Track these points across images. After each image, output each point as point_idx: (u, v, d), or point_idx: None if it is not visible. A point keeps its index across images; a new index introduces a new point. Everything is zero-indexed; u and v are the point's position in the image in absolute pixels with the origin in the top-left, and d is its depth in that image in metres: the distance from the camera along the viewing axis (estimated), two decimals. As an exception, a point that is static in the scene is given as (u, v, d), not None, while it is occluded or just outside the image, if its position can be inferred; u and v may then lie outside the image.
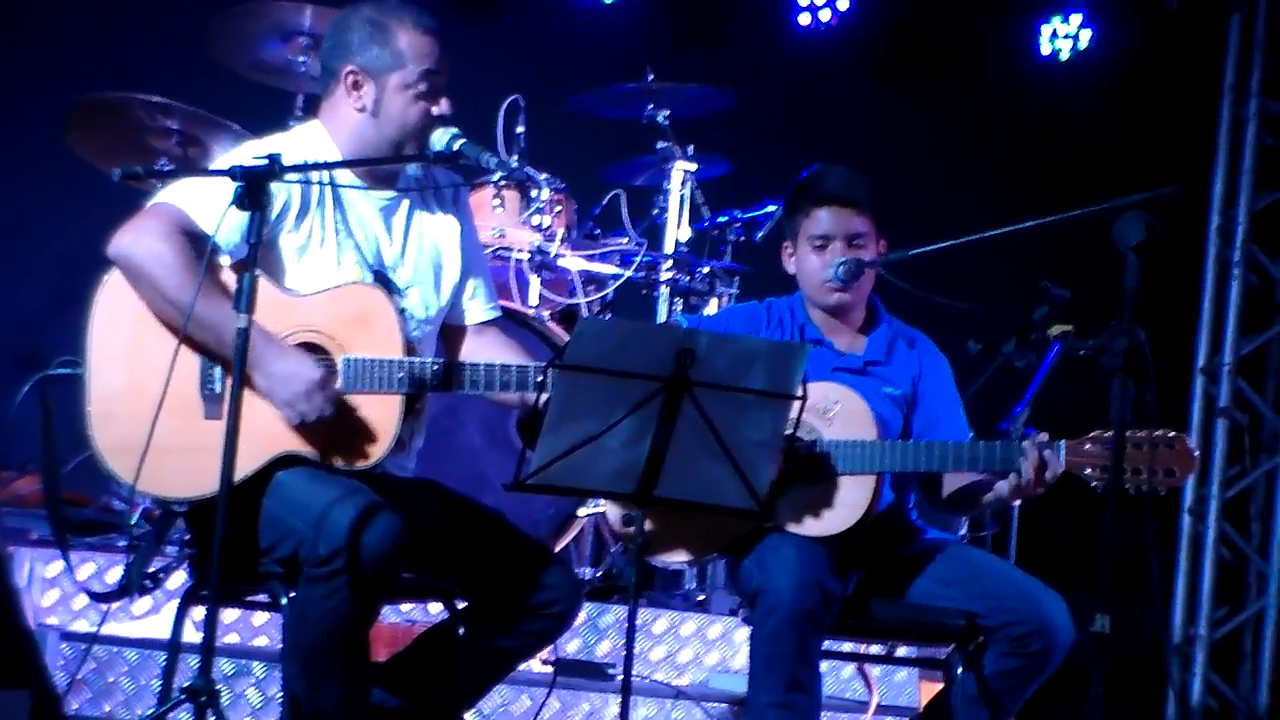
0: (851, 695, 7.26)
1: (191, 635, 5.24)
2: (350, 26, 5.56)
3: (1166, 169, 8.95)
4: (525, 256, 7.72)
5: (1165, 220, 5.35)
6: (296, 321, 5.33)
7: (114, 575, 6.74)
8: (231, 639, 6.37)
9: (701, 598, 7.62)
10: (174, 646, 5.42)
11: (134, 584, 6.06)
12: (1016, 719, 6.23)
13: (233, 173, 4.98)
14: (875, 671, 7.23)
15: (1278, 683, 9.60)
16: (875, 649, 6.83)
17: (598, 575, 7.39)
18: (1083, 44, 9.77)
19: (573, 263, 7.89)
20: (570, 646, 6.85)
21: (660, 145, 8.08)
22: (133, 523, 6.79)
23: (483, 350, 5.61)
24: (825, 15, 9.56)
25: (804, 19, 9.59)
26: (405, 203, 5.62)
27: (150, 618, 6.65)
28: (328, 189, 5.43)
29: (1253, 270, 9.61)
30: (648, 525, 5.38)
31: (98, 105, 7.47)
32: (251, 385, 5.14)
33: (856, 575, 5.77)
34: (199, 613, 5.17)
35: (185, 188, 5.33)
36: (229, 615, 6.34)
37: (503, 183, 7.73)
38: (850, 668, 7.21)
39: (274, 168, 5.00)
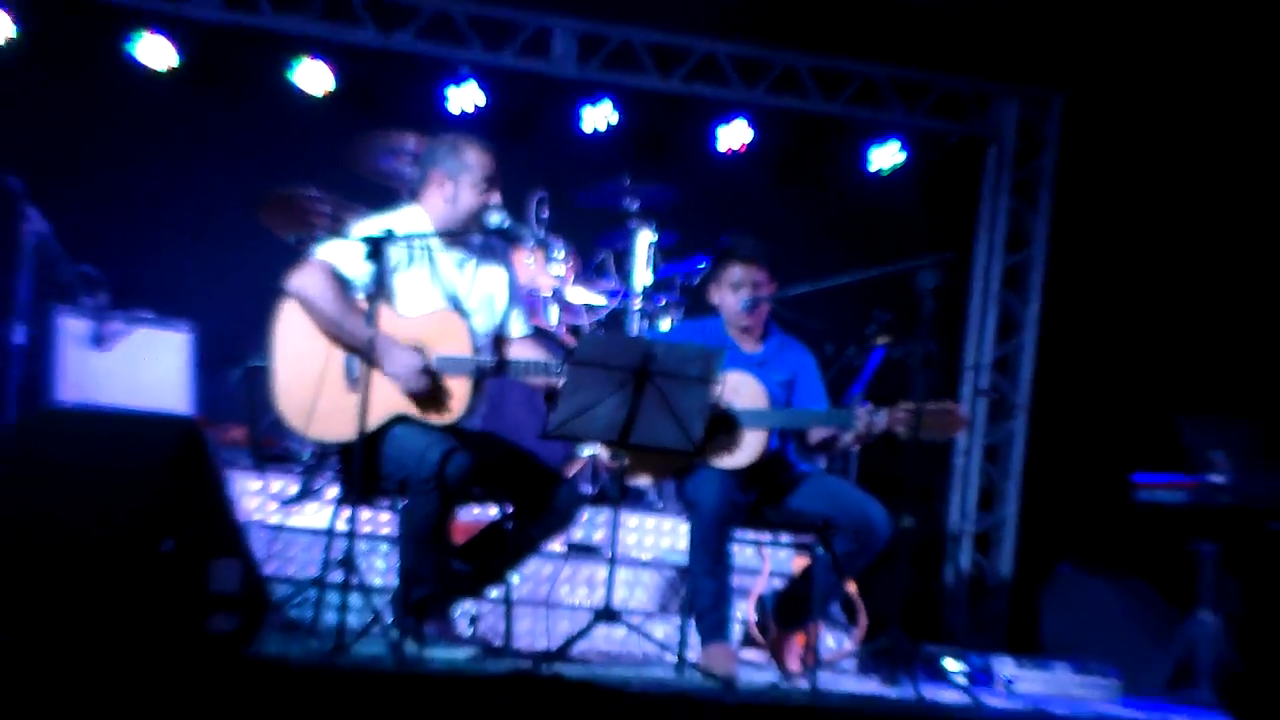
0: (753, 566, 7.37)
1: (340, 526, 5.75)
2: (439, 147, 6.22)
3: (948, 241, 9.33)
4: (548, 293, 7.91)
5: (947, 272, 6.19)
6: (406, 333, 5.87)
7: (292, 489, 7.11)
8: (365, 529, 6.63)
9: (660, 506, 7.83)
10: (330, 533, 5.97)
11: (305, 494, 6.95)
12: (855, 582, 7.08)
13: (364, 239, 5.69)
14: (767, 551, 7.36)
15: (1017, 558, 9.91)
16: (767, 536, 6.77)
17: (594, 491, 7.66)
18: (898, 161, 10.06)
19: (577, 297, 8.20)
20: (576, 535, 7.28)
21: (632, 223, 8.39)
22: (305, 457, 7.16)
23: (521, 351, 6.19)
24: (737, 144, 9.86)
25: (722, 146, 9.90)
26: (472, 259, 6.21)
27: (315, 515, 7.10)
28: (422, 248, 6.04)
29: (1002, 303, 10.19)
30: (625, 461, 6.24)
31: (280, 196, 7.84)
32: (378, 370, 5.72)
33: (755, 492, 6.30)
34: (345, 513, 5.71)
35: (334, 247, 5.98)
36: (364, 515, 6.56)
37: (532, 246, 7.98)
38: (751, 549, 7.25)
39: (388, 236, 5.71)
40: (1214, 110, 10.11)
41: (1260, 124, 10.05)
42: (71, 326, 7.97)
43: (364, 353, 5.73)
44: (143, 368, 8.03)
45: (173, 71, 9.20)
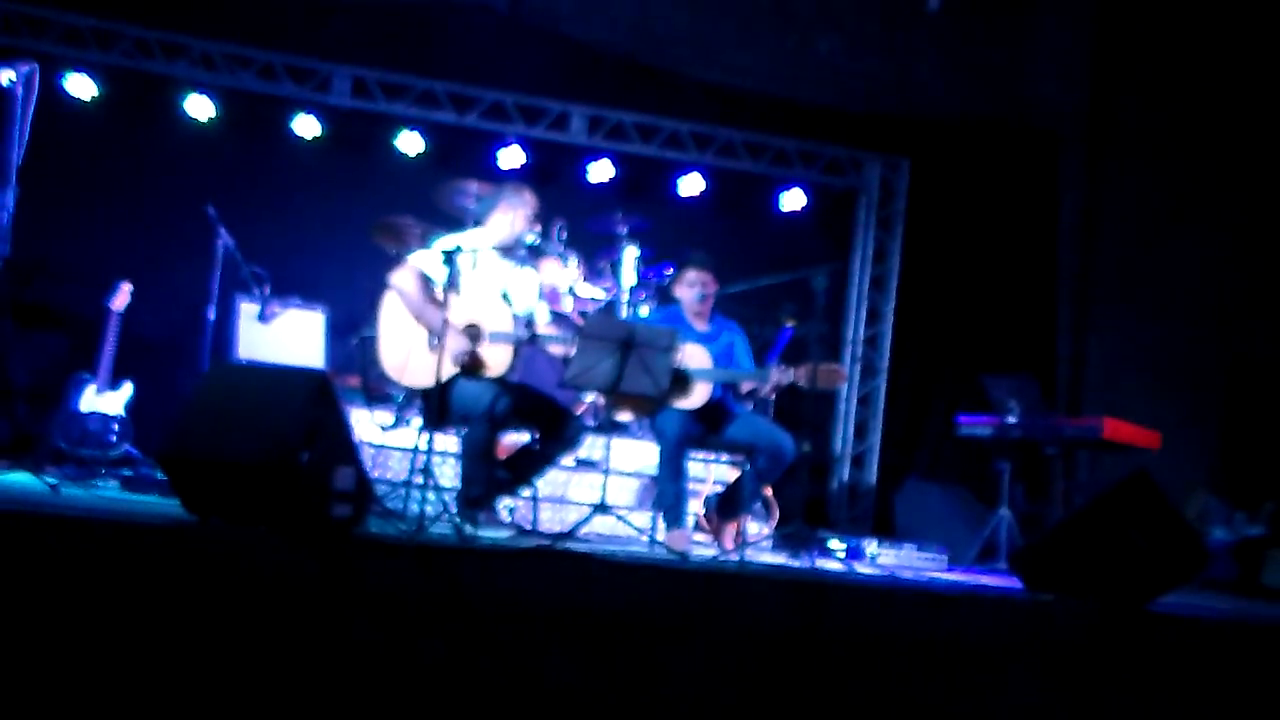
0: (701, 476, 7.26)
1: (422, 446, 5.90)
2: (507, 187, 6.33)
3: (834, 257, 9.68)
4: (565, 289, 7.84)
5: (834, 277, 6.37)
6: (469, 315, 5.95)
7: (389, 419, 7.06)
8: (437, 446, 6.36)
9: (640, 434, 7.61)
10: (415, 450, 6.09)
11: (398, 423, 6.92)
12: (771, 488, 7.05)
13: (443, 251, 5.78)
14: (711, 466, 7.30)
15: (880, 472, 9.83)
16: (711, 456, 6.87)
17: (593, 424, 7.44)
18: (800, 203, 9.92)
19: (585, 292, 8.06)
20: (581, 454, 7.02)
21: (622, 242, 8.28)
22: (399, 399, 6.89)
23: (546, 329, 6.16)
24: (693, 191, 9.69)
25: (683, 192, 9.73)
26: (513, 264, 6.24)
27: (405, 437, 6.93)
28: (483, 255, 6.12)
29: (870, 299, 10.07)
30: (615, 402, 6.23)
31: (387, 222, 7.74)
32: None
33: (703, 426, 6.29)
34: (425, 436, 5.89)
35: (421, 256, 6.08)
36: (440, 440, 6.43)
37: (555, 257, 7.80)
38: (701, 465, 7.21)
39: (459, 249, 5.77)
40: (1002, 170, 10.32)
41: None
42: (245, 308, 7.98)
43: (442, 328, 5.71)
44: (293, 336, 8.02)
45: (317, 139, 9.17)
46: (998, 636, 4.86)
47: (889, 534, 9.00)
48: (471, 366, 5.90)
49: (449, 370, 5.86)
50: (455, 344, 5.87)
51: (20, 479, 6.19)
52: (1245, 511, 9.49)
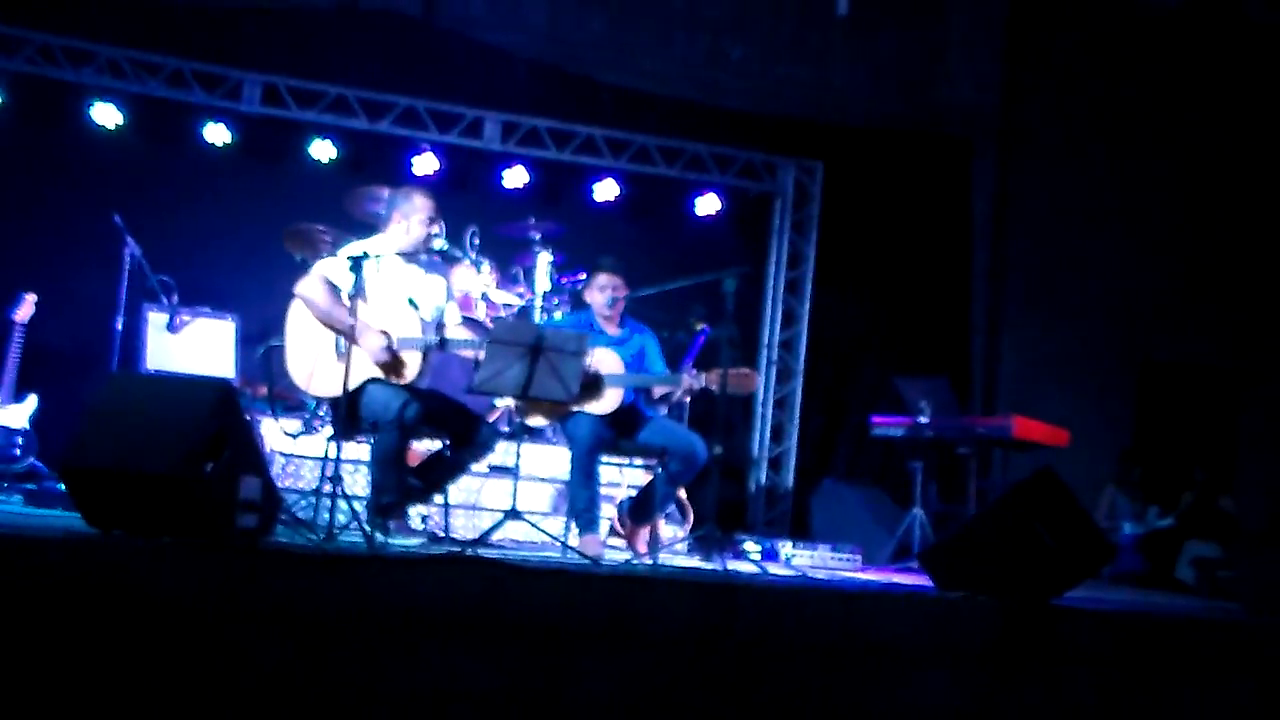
0: (615, 480, 7.30)
1: (331, 454, 5.71)
2: (397, 194, 6.23)
3: (749, 261, 9.64)
4: (478, 295, 7.78)
5: (744, 280, 6.31)
6: (376, 322, 5.85)
7: (296, 427, 7.02)
8: (347, 454, 6.16)
9: (554, 439, 7.55)
10: (324, 459, 5.91)
11: (306, 431, 6.87)
12: (686, 490, 7.03)
13: (349, 258, 5.71)
14: (624, 470, 7.43)
15: (796, 474, 9.88)
16: (624, 460, 7.14)
17: (506, 430, 7.17)
18: (715, 207, 9.97)
19: (499, 298, 7.93)
20: (494, 459, 6.78)
21: (535, 247, 8.19)
22: (311, 407, 6.85)
23: (456, 334, 6.07)
24: (608, 196, 9.72)
25: (597, 197, 9.73)
26: (421, 269, 6.15)
27: (314, 445, 6.87)
28: (387, 263, 5.99)
29: (785, 303, 10.12)
30: (526, 407, 6.22)
31: (296, 230, 7.75)
32: (356, 347, 5.68)
33: (615, 430, 6.29)
34: (334, 445, 5.74)
35: (329, 264, 5.97)
36: (348, 447, 6.23)
37: (467, 263, 7.79)
38: (616, 470, 7.32)
39: (365, 256, 5.72)
40: (915, 173, 10.45)
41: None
42: (154, 318, 7.83)
43: (347, 336, 5.64)
44: (203, 345, 7.89)
45: (228, 146, 9.07)
46: (907, 635, 4.91)
47: (806, 536, 9.08)
48: (392, 365, 5.85)
49: (359, 377, 5.80)
50: (372, 344, 5.82)
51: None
52: (1159, 505, 9.69)
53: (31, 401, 7.46)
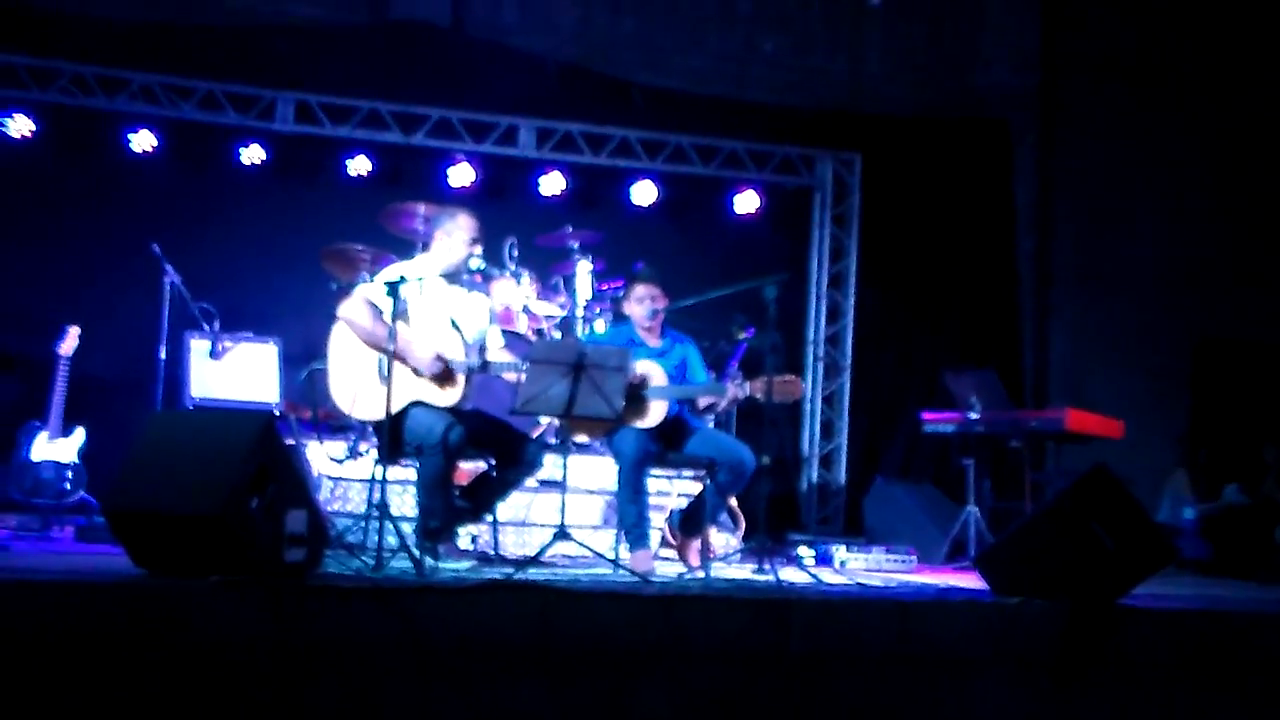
0: (665, 491, 7.37)
1: (377, 474, 5.72)
2: (441, 214, 6.26)
3: (791, 257, 9.76)
4: (519, 307, 7.73)
5: (783, 286, 6.21)
6: (420, 344, 5.84)
7: (341, 451, 7.03)
8: (394, 475, 6.29)
9: (603, 450, 7.13)
10: (371, 481, 5.99)
11: (351, 455, 6.88)
12: (736, 499, 7.09)
13: (386, 283, 5.74)
14: (673, 482, 7.43)
15: (848, 472, 9.92)
16: (673, 473, 7.14)
17: (552, 441, 7.22)
18: (754, 205, 9.93)
19: (539, 309, 7.94)
20: (542, 474, 6.62)
21: (575, 256, 8.23)
22: (353, 429, 6.87)
23: (499, 357, 6.10)
24: (645, 200, 9.69)
25: (635, 201, 9.70)
26: (464, 290, 6.17)
27: (361, 467, 6.82)
28: (430, 284, 6.00)
29: (830, 298, 10.14)
30: (570, 426, 6.19)
31: (335, 250, 7.76)
32: (405, 365, 5.76)
33: (661, 443, 6.23)
34: (379, 469, 5.74)
35: (369, 287, 5.99)
36: (394, 471, 6.20)
37: (507, 276, 7.77)
38: (665, 480, 7.33)
39: (401, 280, 5.71)
40: (955, 160, 10.33)
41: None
42: (196, 345, 7.83)
43: (393, 356, 5.66)
44: (247, 370, 7.88)
45: (263, 166, 9.10)
46: (965, 643, 4.87)
47: (860, 533, 9.03)
48: (445, 377, 5.85)
49: (402, 400, 5.79)
50: (423, 355, 5.81)
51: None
52: (1238, 483, 9.43)
53: (79, 434, 7.52)
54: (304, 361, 7.59)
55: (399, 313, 5.70)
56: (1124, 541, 5.17)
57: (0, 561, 5.12)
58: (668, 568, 6.31)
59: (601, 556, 6.03)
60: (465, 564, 5.80)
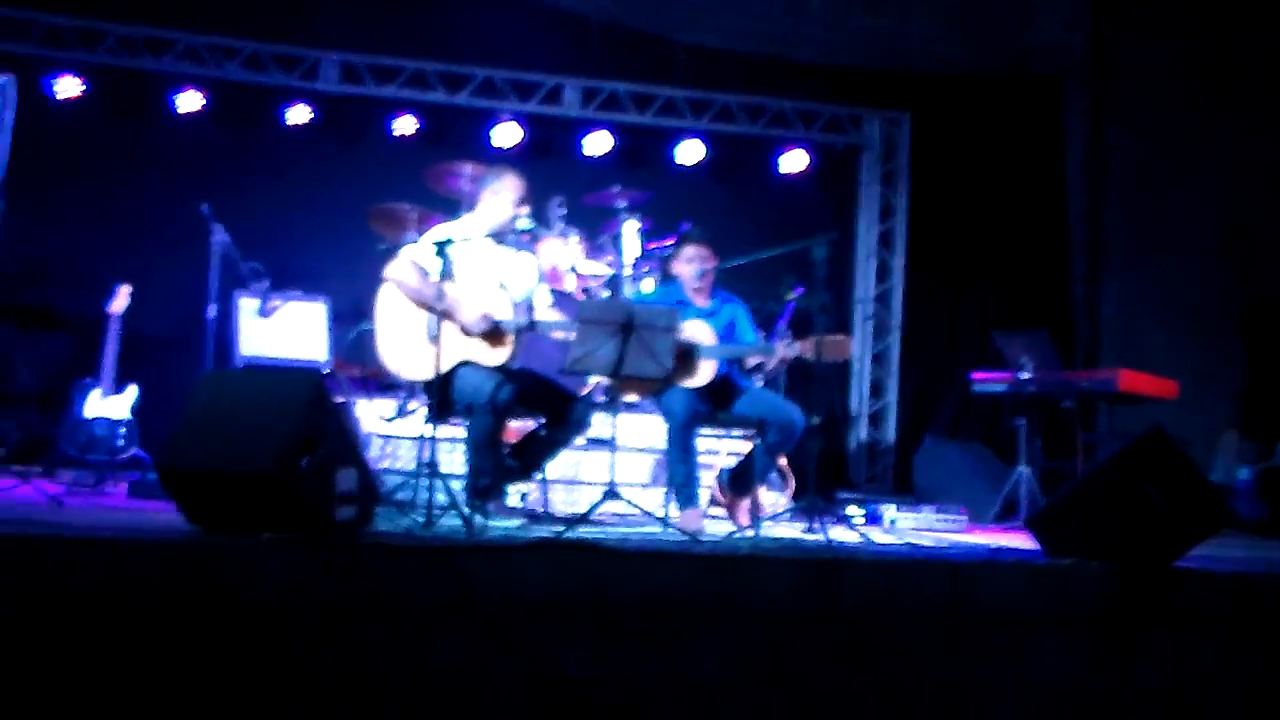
0: (714, 450, 7.29)
1: (427, 432, 5.65)
2: (488, 174, 6.23)
3: (839, 217, 9.88)
4: (567, 267, 7.71)
5: (832, 245, 6.12)
6: (467, 304, 5.84)
7: (391, 409, 7.09)
8: (443, 433, 6.09)
9: (651, 407, 7.10)
10: (421, 439, 5.96)
11: (400, 414, 6.90)
12: (786, 458, 7.04)
13: (434, 243, 5.68)
14: (723, 442, 7.35)
15: (897, 430, 9.96)
16: (722, 432, 7.10)
17: (604, 399, 7.05)
18: (802, 164, 9.94)
19: (587, 269, 7.94)
20: (592, 433, 6.66)
21: (622, 215, 8.19)
22: (402, 387, 6.87)
23: (547, 315, 6.09)
24: (692, 159, 9.69)
25: (681, 160, 9.72)
26: (511, 249, 6.18)
27: (411, 425, 6.92)
28: (476, 242, 5.99)
29: (879, 256, 10.16)
30: (619, 385, 6.15)
31: (383, 209, 7.80)
32: (454, 323, 5.78)
33: (711, 403, 6.23)
34: (430, 427, 5.68)
35: (416, 247, 5.97)
36: (443, 429, 6.06)
37: (554, 235, 7.76)
38: (714, 441, 7.28)
39: (448, 241, 5.66)
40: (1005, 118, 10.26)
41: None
42: (245, 304, 7.87)
43: (441, 314, 5.65)
44: (296, 329, 7.92)
45: (308, 126, 9.15)
46: (1017, 604, 4.80)
47: (909, 491, 9.00)
48: (493, 335, 5.85)
49: (450, 360, 5.79)
50: (471, 314, 5.82)
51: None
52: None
53: (132, 392, 7.59)
54: (352, 319, 7.63)
55: (446, 273, 5.70)
56: (1179, 504, 5.08)
57: (56, 518, 5.12)
58: (717, 526, 6.29)
59: (651, 515, 6.01)
60: (514, 522, 5.81)
